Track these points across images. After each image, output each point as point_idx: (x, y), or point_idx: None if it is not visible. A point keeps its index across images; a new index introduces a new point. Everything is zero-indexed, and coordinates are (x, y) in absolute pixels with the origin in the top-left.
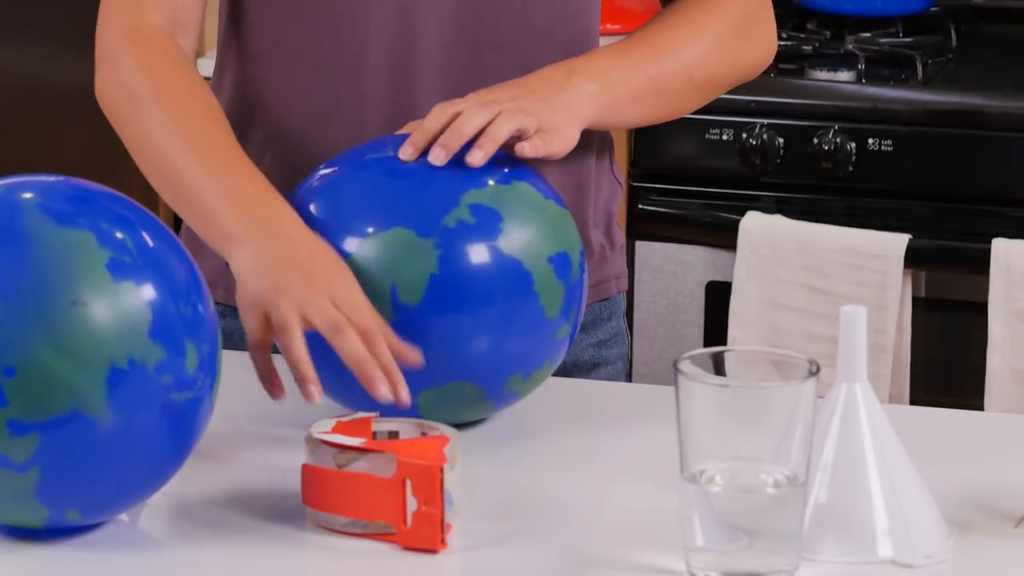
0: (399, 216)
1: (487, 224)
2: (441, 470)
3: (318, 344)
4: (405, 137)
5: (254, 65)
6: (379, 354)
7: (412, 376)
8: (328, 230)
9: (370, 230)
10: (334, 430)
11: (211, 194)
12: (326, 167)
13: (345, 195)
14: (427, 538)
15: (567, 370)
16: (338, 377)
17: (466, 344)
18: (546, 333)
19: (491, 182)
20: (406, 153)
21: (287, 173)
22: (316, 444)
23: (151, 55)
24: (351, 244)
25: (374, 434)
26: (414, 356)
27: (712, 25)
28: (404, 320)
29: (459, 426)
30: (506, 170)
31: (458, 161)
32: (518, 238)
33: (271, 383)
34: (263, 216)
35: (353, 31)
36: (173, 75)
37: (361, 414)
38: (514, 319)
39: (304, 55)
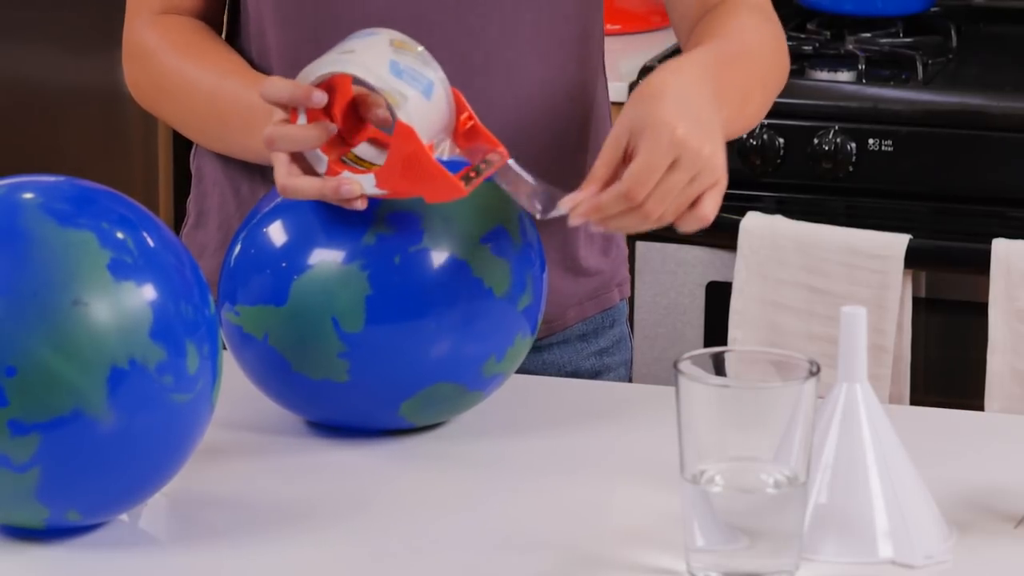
0: (320, 249)
1: (407, 230)
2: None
3: (272, 359)
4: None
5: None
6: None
7: (389, 391)
8: (261, 275)
9: (298, 269)
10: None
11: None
12: (247, 220)
13: (266, 240)
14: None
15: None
16: (293, 389)
17: (425, 349)
18: (504, 311)
19: None
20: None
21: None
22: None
23: (166, 24)
24: (283, 288)
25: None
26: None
27: (763, 28)
28: (356, 347)
29: (458, 418)
30: None
31: None
32: (443, 232)
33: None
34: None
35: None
36: (186, 28)
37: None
38: (464, 310)
39: (293, 60)
